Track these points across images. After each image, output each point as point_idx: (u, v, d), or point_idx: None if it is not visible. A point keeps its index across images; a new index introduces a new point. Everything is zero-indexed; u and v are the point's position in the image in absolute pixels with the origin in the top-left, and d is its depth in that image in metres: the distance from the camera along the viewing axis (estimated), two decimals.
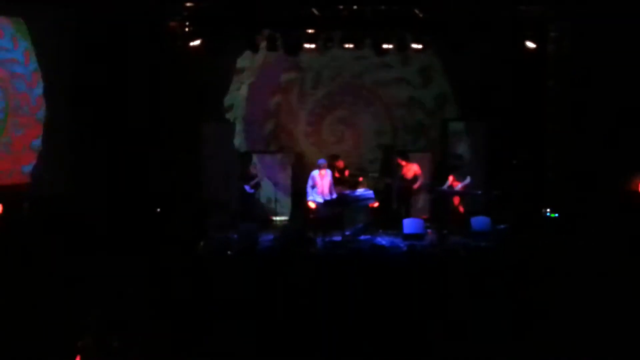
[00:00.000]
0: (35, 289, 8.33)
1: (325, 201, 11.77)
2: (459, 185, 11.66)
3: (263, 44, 11.78)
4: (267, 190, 12.95)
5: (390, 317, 8.01)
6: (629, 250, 9.47)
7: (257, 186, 12.18)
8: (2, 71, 10.49)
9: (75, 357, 6.60)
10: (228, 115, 13.39)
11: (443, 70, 13.22)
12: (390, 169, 12.74)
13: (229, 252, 10.58)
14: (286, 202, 13.09)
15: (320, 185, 11.65)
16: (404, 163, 12.10)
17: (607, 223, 10.47)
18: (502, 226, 11.44)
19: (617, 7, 10.60)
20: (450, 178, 11.85)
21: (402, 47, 11.56)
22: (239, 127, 13.40)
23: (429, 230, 11.72)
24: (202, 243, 10.90)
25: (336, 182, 12.15)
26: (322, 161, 11.80)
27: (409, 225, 11.44)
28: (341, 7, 10.93)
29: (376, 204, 12.04)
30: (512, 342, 7.37)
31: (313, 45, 11.73)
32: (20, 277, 8.64)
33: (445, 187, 12.05)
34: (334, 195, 11.83)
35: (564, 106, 11.51)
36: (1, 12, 10.15)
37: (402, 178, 12.13)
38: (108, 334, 7.16)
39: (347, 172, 12.73)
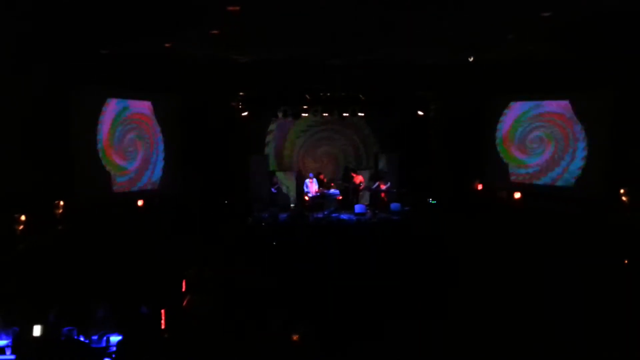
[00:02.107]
0: (162, 243, 10.67)
1: (313, 196, 15.48)
2: (384, 187, 15.51)
3: (281, 114, 15.89)
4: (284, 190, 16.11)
5: (348, 255, 10.18)
6: (471, 219, 13.31)
7: (278, 189, 15.96)
8: (146, 129, 14.17)
9: (182, 280, 7.64)
10: (266, 151, 16.87)
11: (374, 127, 17.17)
12: (348, 178, 16.30)
13: (263, 224, 13.86)
14: (293, 196, 16.52)
15: (310, 187, 15.63)
16: (354, 175, 16.01)
17: (460, 205, 14.54)
18: (407, 208, 15.21)
19: (464, 92, 14.79)
20: (379, 182, 15.59)
21: (353, 114, 15.99)
22: (270, 158, 16.72)
23: (368, 211, 15.00)
24: (249, 219, 14.31)
25: (319, 185, 15.70)
26: (311, 175, 15.87)
27: (358, 208, 15.04)
28: (321, 94, 15.45)
29: (340, 197, 15.58)
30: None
31: (307, 114, 15.92)
32: (154, 238, 11.14)
33: (375, 186, 15.43)
34: (318, 193, 15.46)
35: (439, 144, 15.55)
36: (143, 98, 14.14)
37: (354, 183, 15.85)
38: (203, 268, 8.76)
39: (325, 181, 15.98)
